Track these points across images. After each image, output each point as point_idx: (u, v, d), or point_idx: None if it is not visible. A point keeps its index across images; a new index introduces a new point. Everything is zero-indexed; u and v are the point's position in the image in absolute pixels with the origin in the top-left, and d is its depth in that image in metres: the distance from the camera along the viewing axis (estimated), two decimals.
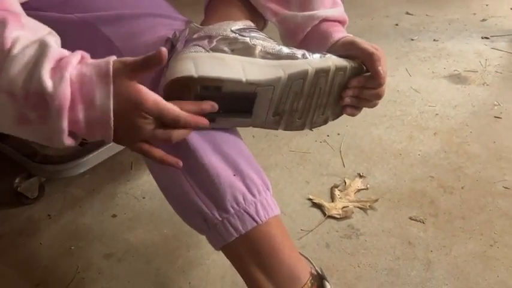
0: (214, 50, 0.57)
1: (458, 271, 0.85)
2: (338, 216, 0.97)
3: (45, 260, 0.90)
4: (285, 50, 0.59)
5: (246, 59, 0.57)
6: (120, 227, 0.97)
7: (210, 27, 0.60)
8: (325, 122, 0.66)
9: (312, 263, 0.64)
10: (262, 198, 0.59)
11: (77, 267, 0.88)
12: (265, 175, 0.60)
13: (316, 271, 0.64)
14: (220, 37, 0.58)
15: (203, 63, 0.55)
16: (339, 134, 1.21)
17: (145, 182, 1.07)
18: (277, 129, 0.62)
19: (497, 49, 1.60)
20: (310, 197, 1.02)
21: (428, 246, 0.90)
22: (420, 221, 0.96)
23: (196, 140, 0.57)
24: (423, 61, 1.55)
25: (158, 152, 0.55)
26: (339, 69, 0.61)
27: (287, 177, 1.09)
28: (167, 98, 0.52)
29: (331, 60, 0.60)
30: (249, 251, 0.59)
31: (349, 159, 1.13)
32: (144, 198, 1.04)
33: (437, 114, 1.29)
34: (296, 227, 0.95)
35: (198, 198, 0.58)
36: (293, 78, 0.58)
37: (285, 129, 0.63)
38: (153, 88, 0.52)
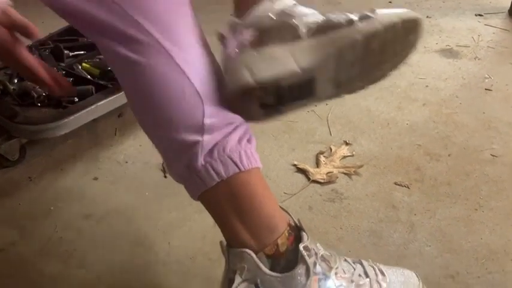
0: (261, 45, 0.57)
1: (442, 233, 0.85)
2: (322, 181, 0.96)
3: (23, 220, 0.89)
4: (329, 17, 0.58)
5: (295, 45, 0.56)
6: (102, 189, 0.96)
7: (250, 18, 0.59)
8: (386, 76, 0.64)
9: (290, 215, 0.63)
10: (247, 148, 0.58)
11: (55, 227, 0.87)
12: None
13: (295, 222, 0.63)
14: (262, 28, 0.58)
15: (256, 66, 0.55)
16: (326, 104, 1.20)
17: (128, 147, 1.06)
18: (341, 96, 0.61)
19: (490, 25, 1.59)
20: (295, 162, 1.01)
21: (412, 210, 0.89)
22: (405, 186, 0.95)
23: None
24: None
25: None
26: (387, 28, 0.58)
27: (273, 144, 1.08)
28: (234, 110, 0.56)
29: (378, 21, 0.57)
30: (229, 198, 0.59)
31: (336, 128, 1.12)
32: (126, 162, 1.03)
33: (427, 86, 1.27)
34: (279, 191, 0.94)
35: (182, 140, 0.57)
36: (344, 50, 0.56)
37: (348, 93, 0.62)
38: None
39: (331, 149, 1.05)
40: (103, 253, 0.82)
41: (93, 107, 0.96)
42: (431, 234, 0.85)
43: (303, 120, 1.15)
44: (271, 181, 0.96)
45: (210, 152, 0.56)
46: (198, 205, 0.90)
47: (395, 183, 0.95)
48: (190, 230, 0.86)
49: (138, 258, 0.81)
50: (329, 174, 0.97)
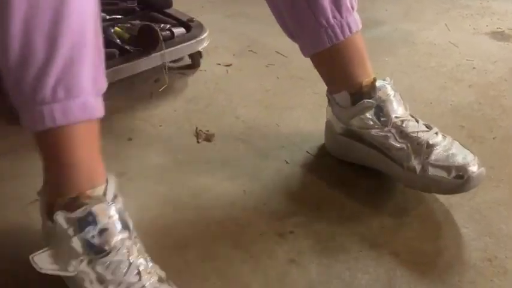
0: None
1: (481, 216, 0.81)
2: None
3: None
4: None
5: None
6: (135, 150, 0.96)
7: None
8: None
9: None
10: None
11: None
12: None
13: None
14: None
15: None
16: None
17: (163, 112, 1.06)
18: None
19: None
20: None
21: None
22: None
23: None
24: (465, 18, 1.48)
25: None
26: None
27: (309, 117, 1.06)
28: None
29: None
30: None
31: None
32: (160, 126, 1.03)
33: (474, 68, 1.22)
34: None
35: None
36: None
37: None
38: None
39: None
40: (132, 211, 0.82)
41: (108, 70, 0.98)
42: (470, 216, 0.81)
43: None
44: (303, 151, 0.95)
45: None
46: (229, 172, 0.90)
47: None
48: (219, 196, 0.86)
49: (166, 218, 0.81)
50: None
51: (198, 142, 0.99)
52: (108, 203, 0.60)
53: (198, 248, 0.76)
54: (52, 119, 0.58)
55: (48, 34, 0.55)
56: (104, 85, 0.64)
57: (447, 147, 0.80)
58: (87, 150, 0.62)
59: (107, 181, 0.64)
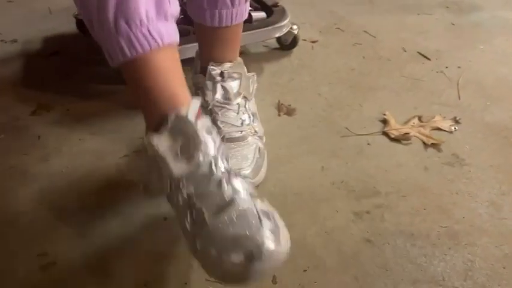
0: None
1: None
2: (392, 136, 0.94)
3: None
4: None
5: None
6: None
7: None
8: None
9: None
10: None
11: None
12: None
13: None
14: None
15: None
16: (459, 67, 1.12)
17: None
18: None
19: None
20: (386, 113, 0.98)
21: None
22: None
23: None
24: None
25: None
26: None
27: (394, 100, 1.04)
28: None
29: None
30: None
31: (466, 92, 1.05)
32: None
33: None
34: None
35: None
36: None
37: None
38: None
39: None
40: None
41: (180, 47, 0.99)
42: None
43: (430, 80, 1.09)
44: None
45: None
46: (308, 147, 0.91)
47: None
48: (297, 168, 0.87)
49: None
50: (405, 134, 0.93)
51: (279, 115, 1.00)
52: (190, 120, 0.61)
53: None
54: (122, 53, 0.61)
55: None
56: (172, 10, 0.65)
57: None
58: (165, 76, 0.64)
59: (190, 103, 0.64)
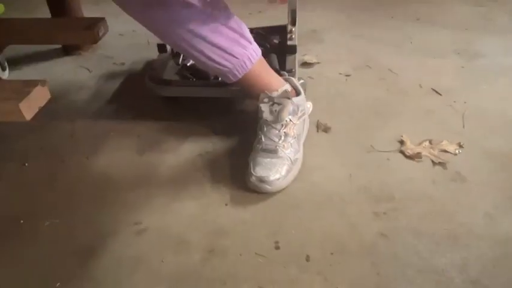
0: None
1: None
2: (406, 154, 0.92)
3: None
4: None
5: None
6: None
7: None
8: None
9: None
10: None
11: None
12: None
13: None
14: None
15: None
16: (465, 102, 1.10)
17: None
18: None
19: None
20: (403, 135, 0.96)
21: None
22: None
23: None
24: None
25: None
26: None
27: (410, 126, 1.02)
28: None
29: None
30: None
31: (469, 123, 1.02)
32: None
33: None
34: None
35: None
36: None
37: None
38: None
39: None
40: None
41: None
42: None
43: (440, 111, 1.07)
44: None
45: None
46: (339, 158, 0.92)
47: None
48: (330, 174, 0.88)
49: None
50: (417, 153, 0.91)
51: (317, 131, 1.01)
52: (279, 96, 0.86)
53: (305, 210, 0.80)
54: (244, 68, 0.84)
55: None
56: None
57: None
58: (265, 73, 0.88)
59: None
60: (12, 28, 1.12)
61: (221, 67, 0.82)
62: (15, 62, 1.33)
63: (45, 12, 1.34)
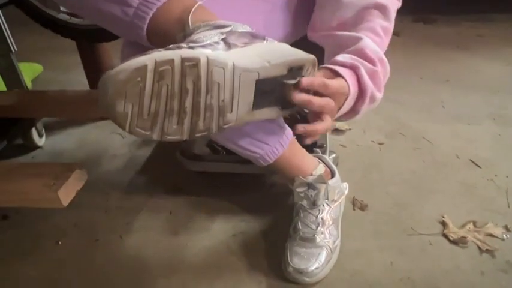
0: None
1: None
2: (451, 238, 0.88)
3: None
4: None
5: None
6: None
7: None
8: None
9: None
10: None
11: None
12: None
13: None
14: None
15: None
16: (507, 177, 1.05)
17: None
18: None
19: None
20: (444, 215, 0.92)
21: None
22: None
23: None
24: None
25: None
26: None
27: (450, 204, 0.98)
28: None
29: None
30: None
31: None
32: None
33: None
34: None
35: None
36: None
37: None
38: None
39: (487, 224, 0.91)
40: None
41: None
42: None
43: (482, 187, 1.03)
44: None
45: None
46: (378, 242, 0.87)
47: None
48: (370, 262, 0.84)
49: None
50: (462, 238, 0.87)
51: (353, 210, 0.98)
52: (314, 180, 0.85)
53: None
54: (275, 153, 0.82)
55: None
56: None
57: None
58: (297, 157, 0.86)
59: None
60: (48, 101, 1.14)
61: (251, 153, 0.80)
62: (49, 126, 1.36)
63: (80, 71, 1.37)
